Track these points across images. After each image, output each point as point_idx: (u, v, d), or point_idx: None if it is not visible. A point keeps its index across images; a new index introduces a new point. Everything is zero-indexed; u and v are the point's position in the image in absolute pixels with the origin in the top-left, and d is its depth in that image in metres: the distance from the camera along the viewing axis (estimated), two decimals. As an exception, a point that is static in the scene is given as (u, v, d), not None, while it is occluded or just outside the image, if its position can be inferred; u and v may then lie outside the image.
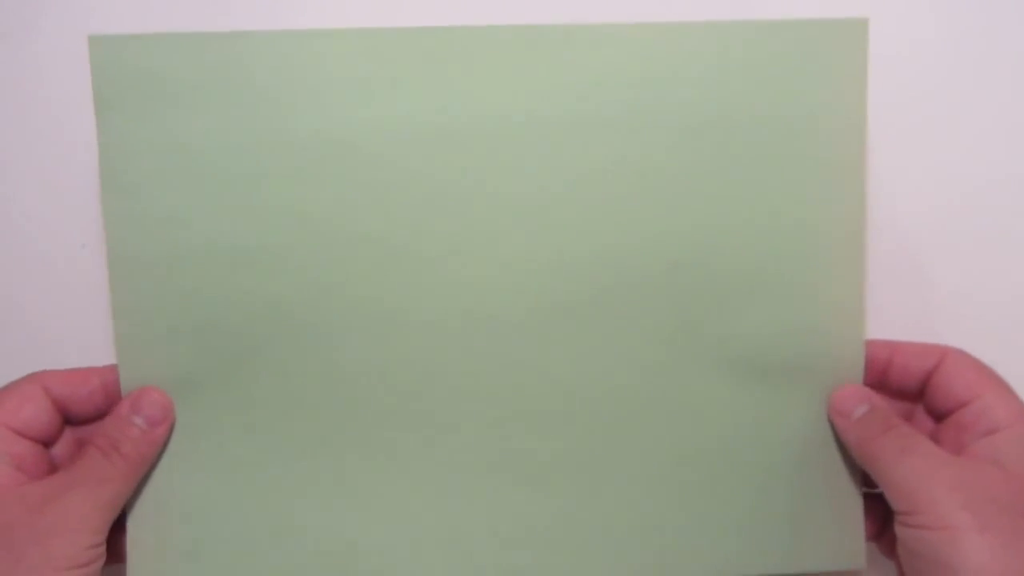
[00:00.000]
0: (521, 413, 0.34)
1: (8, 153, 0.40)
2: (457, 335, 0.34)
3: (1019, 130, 0.39)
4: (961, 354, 0.35)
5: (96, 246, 0.39)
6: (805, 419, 0.35)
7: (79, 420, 0.35)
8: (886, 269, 0.39)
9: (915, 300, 0.39)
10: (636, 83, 0.34)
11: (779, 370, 0.34)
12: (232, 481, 0.34)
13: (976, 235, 0.39)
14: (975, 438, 0.33)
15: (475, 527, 0.34)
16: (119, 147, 0.33)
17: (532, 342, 0.34)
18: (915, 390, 0.36)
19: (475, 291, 0.34)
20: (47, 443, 0.34)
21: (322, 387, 0.34)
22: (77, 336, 0.39)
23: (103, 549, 0.32)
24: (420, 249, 0.33)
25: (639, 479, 0.34)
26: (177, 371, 0.34)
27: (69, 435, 0.35)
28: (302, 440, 0.34)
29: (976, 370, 0.34)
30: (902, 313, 0.39)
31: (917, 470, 0.32)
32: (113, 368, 0.35)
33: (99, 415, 0.35)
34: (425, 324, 0.34)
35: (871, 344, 0.36)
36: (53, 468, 0.34)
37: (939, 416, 0.35)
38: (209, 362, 0.34)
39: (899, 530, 0.32)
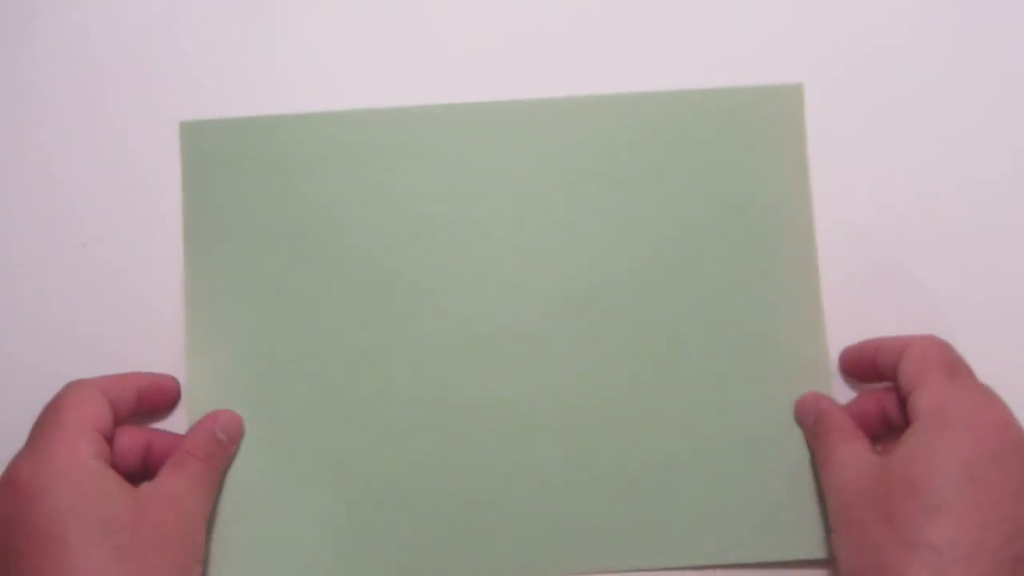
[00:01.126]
0: (525, 421, 0.39)
1: (8, 153, 0.40)
2: (474, 356, 0.39)
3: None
4: (920, 343, 0.35)
5: (95, 246, 0.40)
6: (774, 420, 0.38)
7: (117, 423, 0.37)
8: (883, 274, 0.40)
9: (911, 303, 0.40)
10: (610, 145, 0.40)
11: (748, 378, 0.39)
12: (286, 491, 0.38)
13: (967, 238, 0.41)
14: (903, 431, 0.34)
15: (486, 520, 0.38)
16: (199, 205, 0.40)
17: (535, 361, 0.39)
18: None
19: (490, 319, 0.39)
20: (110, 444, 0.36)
21: (362, 404, 0.39)
22: (77, 336, 0.39)
23: None
24: (443, 286, 0.39)
25: (619, 476, 0.38)
26: (240, 395, 0.38)
27: None
28: (345, 452, 0.38)
29: (920, 361, 0.34)
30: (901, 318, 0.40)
31: (826, 480, 0.35)
32: (147, 376, 0.38)
33: (130, 418, 0.37)
34: (444, 347, 0.39)
35: (858, 345, 0.37)
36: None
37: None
38: (267, 386, 0.39)
39: None
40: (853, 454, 0.34)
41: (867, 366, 0.37)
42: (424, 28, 0.42)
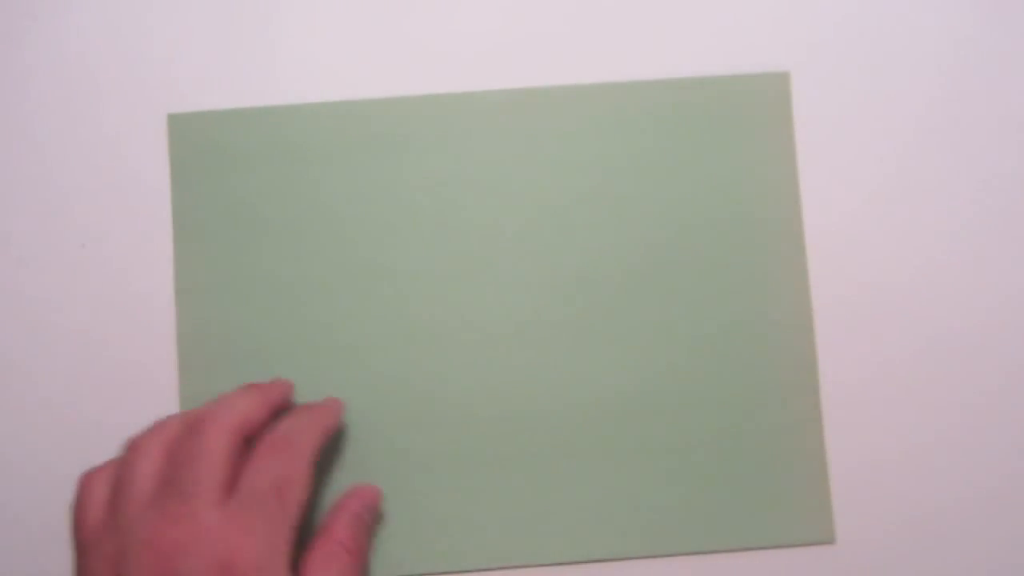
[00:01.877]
0: (523, 411, 0.39)
1: (7, 153, 0.41)
2: (467, 347, 0.39)
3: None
4: None
5: (95, 246, 0.40)
6: (761, 406, 0.39)
7: None
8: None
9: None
10: (598, 134, 0.40)
11: (735, 367, 0.39)
12: None
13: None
14: None
15: (484, 509, 0.39)
16: (188, 197, 0.40)
17: (531, 350, 0.39)
18: None
19: (481, 310, 0.40)
20: None
21: (354, 397, 0.39)
22: (76, 336, 0.39)
23: None
24: (434, 277, 0.40)
25: (624, 463, 0.39)
26: (232, 387, 0.38)
27: None
28: (337, 442, 0.39)
29: None
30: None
31: None
32: (271, 388, 0.37)
33: None
34: (440, 338, 0.39)
35: None
36: None
37: None
38: (259, 378, 0.39)
39: None
40: None
41: None
42: (414, 17, 0.42)
